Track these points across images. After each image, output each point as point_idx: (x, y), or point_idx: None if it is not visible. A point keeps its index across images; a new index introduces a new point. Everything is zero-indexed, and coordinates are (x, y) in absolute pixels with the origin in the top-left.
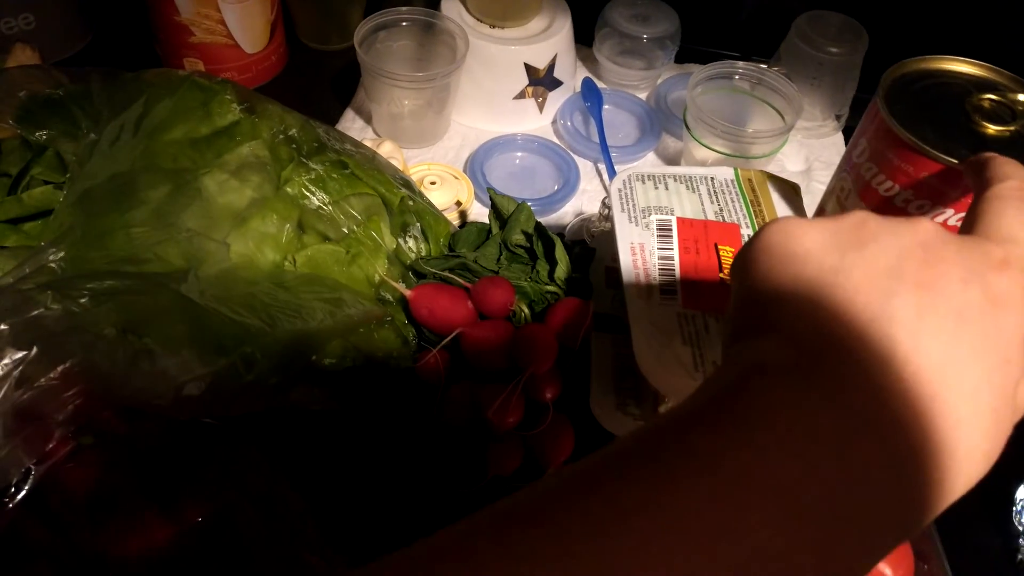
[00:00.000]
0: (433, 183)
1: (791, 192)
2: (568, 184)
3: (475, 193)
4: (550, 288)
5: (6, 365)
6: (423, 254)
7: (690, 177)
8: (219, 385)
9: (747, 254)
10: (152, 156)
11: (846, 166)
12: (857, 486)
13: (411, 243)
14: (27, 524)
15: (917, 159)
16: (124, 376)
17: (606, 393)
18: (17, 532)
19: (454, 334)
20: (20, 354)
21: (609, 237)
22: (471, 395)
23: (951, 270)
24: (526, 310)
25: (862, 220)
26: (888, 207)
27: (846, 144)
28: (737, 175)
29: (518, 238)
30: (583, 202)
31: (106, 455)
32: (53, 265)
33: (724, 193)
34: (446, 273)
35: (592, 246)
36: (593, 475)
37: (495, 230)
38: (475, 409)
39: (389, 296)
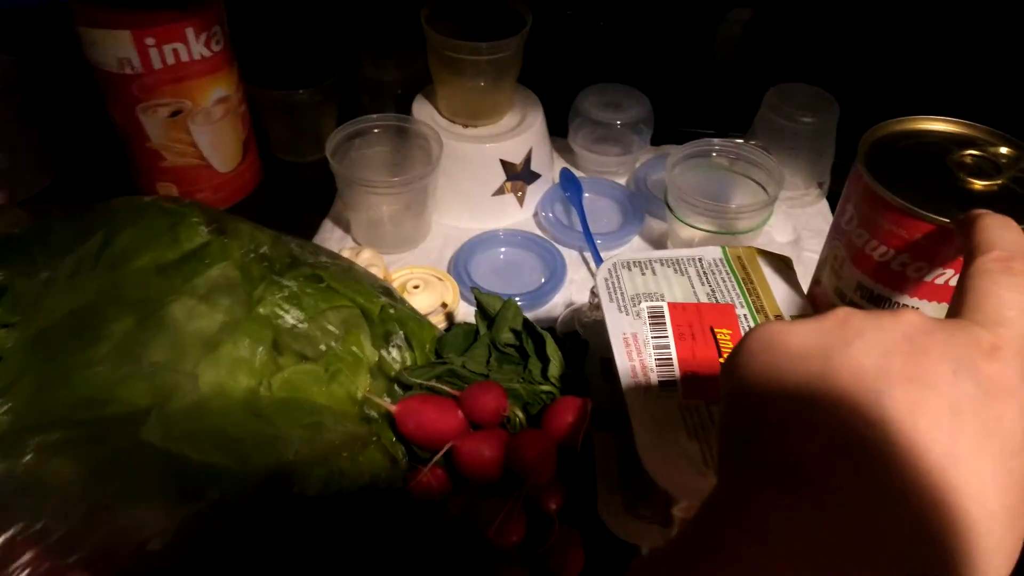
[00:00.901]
0: (416, 287)
1: (782, 266)
2: (555, 276)
3: (460, 293)
4: (544, 387)
5: None
6: (408, 363)
7: (677, 260)
8: (186, 535)
9: (733, 362)
10: (115, 287)
11: (836, 234)
12: None
13: (395, 353)
14: None
15: (907, 221)
16: (79, 537)
17: (613, 496)
18: None
19: (445, 449)
20: None
21: (601, 327)
22: (469, 511)
23: (940, 362)
24: (520, 414)
25: (845, 318)
26: (885, 271)
27: (832, 210)
28: (725, 253)
29: (507, 337)
30: (572, 292)
31: None
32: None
33: (714, 273)
34: (432, 383)
35: (584, 337)
36: None
37: (483, 331)
38: (474, 527)
39: (374, 413)
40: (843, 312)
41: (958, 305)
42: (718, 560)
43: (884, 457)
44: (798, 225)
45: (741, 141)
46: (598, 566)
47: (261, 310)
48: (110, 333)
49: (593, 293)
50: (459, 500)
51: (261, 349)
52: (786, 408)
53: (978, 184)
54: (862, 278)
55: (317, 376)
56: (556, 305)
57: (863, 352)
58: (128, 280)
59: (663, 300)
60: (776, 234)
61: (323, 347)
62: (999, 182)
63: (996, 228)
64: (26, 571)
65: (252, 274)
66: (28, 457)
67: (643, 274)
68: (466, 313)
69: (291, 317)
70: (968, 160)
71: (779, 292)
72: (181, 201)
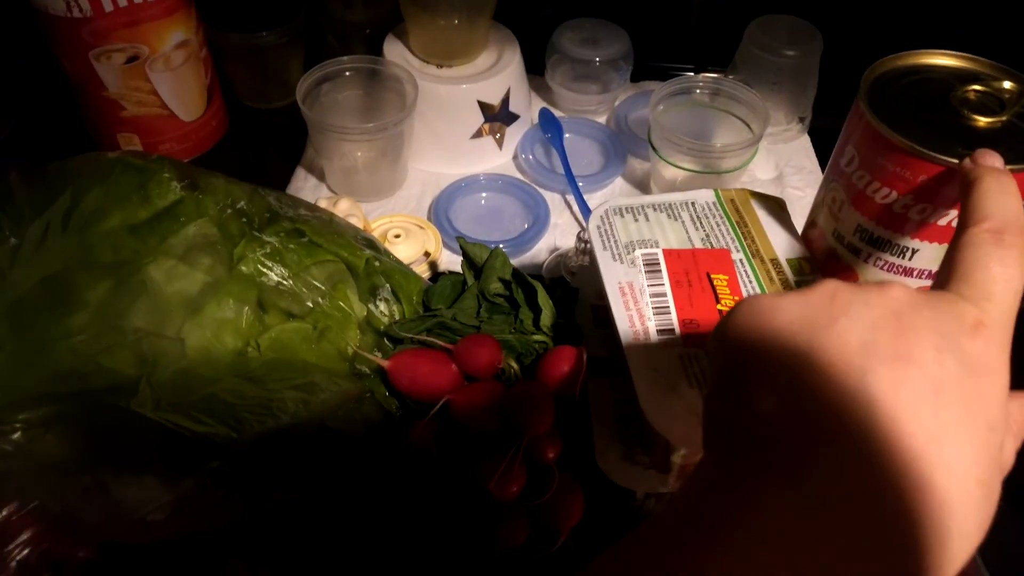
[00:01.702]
0: (398, 236)
1: (776, 208)
2: (538, 221)
3: (443, 241)
4: (537, 337)
5: None
6: (396, 317)
7: (670, 204)
8: (187, 505)
9: (718, 340)
10: (87, 251)
11: (834, 175)
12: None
13: (382, 307)
14: None
15: (912, 162)
16: (76, 515)
17: (611, 444)
18: None
19: (441, 403)
20: None
21: (589, 272)
22: (467, 465)
23: (925, 339)
24: (515, 365)
25: (832, 293)
26: (887, 214)
27: (814, 146)
28: (718, 196)
29: (496, 287)
30: (556, 237)
31: None
32: None
33: (708, 217)
34: (424, 336)
35: (573, 284)
36: None
37: (470, 281)
38: (474, 481)
39: (366, 369)
40: (831, 286)
41: (946, 275)
42: (709, 542)
43: (868, 437)
44: (780, 161)
45: (723, 77)
46: (598, 513)
47: (243, 268)
48: (86, 301)
49: (580, 238)
50: (457, 453)
51: (247, 309)
52: (773, 385)
53: (982, 121)
54: (862, 220)
55: (306, 334)
56: (540, 251)
57: (849, 329)
58: (100, 243)
59: (657, 247)
60: (758, 171)
61: (310, 304)
62: (1003, 119)
63: (993, 195)
64: (26, 550)
65: (231, 231)
66: (17, 435)
67: (636, 220)
68: (449, 261)
69: (275, 274)
70: (972, 96)
71: (774, 235)
72: (148, 156)
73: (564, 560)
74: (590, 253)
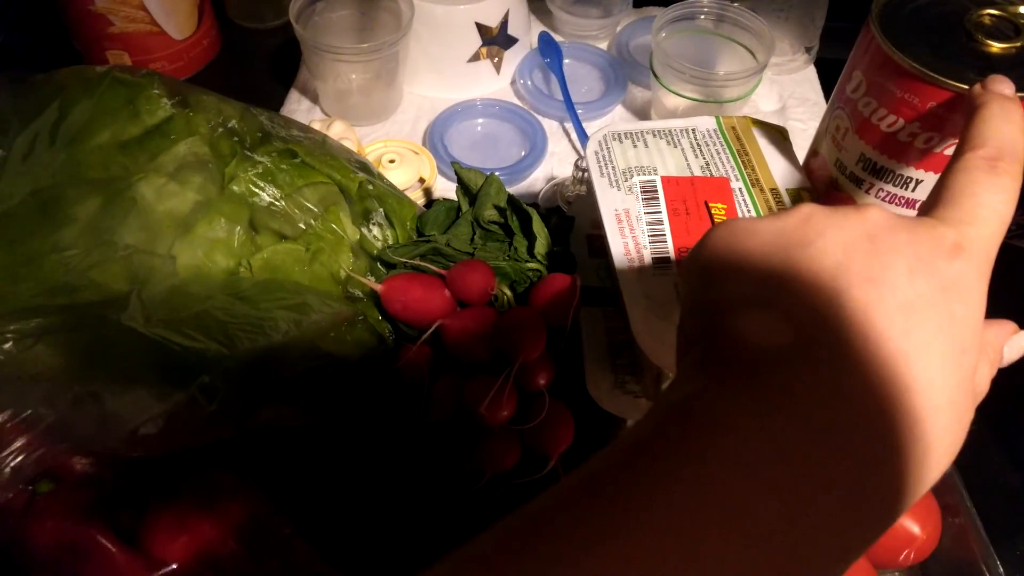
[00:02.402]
0: (392, 161)
1: (778, 137)
2: (535, 148)
3: (438, 167)
4: (531, 265)
5: None
6: (390, 242)
7: (670, 131)
8: (178, 420)
9: (693, 261)
10: (76, 166)
11: (839, 102)
12: (826, 491)
13: (375, 231)
14: None
15: (921, 88)
16: (68, 424)
17: (602, 372)
18: None
19: (434, 327)
20: None
21: (586, 201)
22: (458, 390)
23: (898, 260)
24: (508, 292)
25: (807, 216)
26: (892, 142)
27: (819, 78)
28: (720, 124)
29: (491, 214)
30: (553, 166)
31: (70, 500)
32: None
33: (708, 145)
34: (417, 261)
35: (569, 213)
36: (537, 521)
37: (464, 207)
38: (463, 405)
39: (358, 292)
40: (806, 209)
41: (934, 199)
42: (682, 457)
43: (840, 355)
44: (784, 93)
45: (728, 3)
46: (587, 439)
47: (235, 188)
48: (76, 215)
49: (577, 167)
50: (448, 378)
51: (238, 228)
52: (747, 306)
53: (995, 47)
54: (866, 149)
55: (298, 256)
56: (537, 179)
57: (823, 251)
58: (88, 158)
59: (656, 174)
60: (761, 102)
61: (302, 225)
62: (1018, 44)
63: (994, 121)
64: (20, 456)
65: (222, 150)
66: (8, 345)
67: (635, 146)
68: (444, 188)
69: (267, 195)
70: (987, 20)
71: (775, 164)
72: (137, 71)
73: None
74: (587, 181)
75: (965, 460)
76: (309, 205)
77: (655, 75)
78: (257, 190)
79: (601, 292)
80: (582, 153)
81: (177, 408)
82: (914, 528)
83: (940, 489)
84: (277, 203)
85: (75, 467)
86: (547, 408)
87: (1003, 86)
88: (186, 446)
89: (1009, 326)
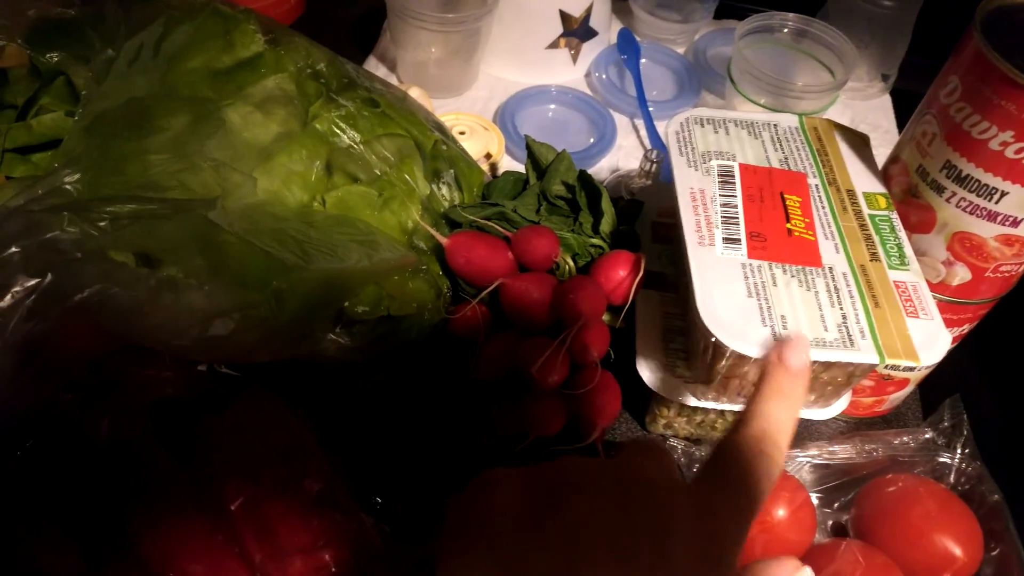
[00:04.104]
0: (462, 133)
1: (859, 142)
2: (604, 139)
3: (506, 146)
4: (595, 241)
5: (17, 293)
6: (456, 202)
7: (752, 123)
8: (248, 325)
9: None
10: (169, 84)
11: (929, 107)
12: None
13: (444, 190)
14: (37, 476)
15: (1020, 96)
16: (145, 310)
17: (653, 353)
18: (25, 484)
19: (495, 285)
20: (32, 281)
21: (651, 193)
22: (510, 350)
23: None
24: (571, 262)
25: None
26: (982, 151)
27: (894, 106)
28: (802, 122)
29: (558, 188)
30: (619, 159)
31: (121, 401)
32: (69, 187)
33: (789, 141)
34: (484, 221)
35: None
36: None
37: (532, 180)
38: (515, 365)
39: (422, 245)
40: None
41: (709, 471)
42: None
43: None
44: (856, 117)
45: (814, 19)
46: (632, 412)
47: (318, 126)
48: (166, 127)
49: (646, 159)
50: (502, 338)
51: (317, 164)
52: None
53: None
54: (952, 156)
55: (370, 200)
56: (602, 169)
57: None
58: (181, 79)
59: (735, 160)
60: None
61: (377, 172)
62: None
63: (771, 401)
64: (89, 340)
65: (307, 90)
66: (103, 223)
67: (716, 132)
68: (509, 166)
69: (347, 137)
70: None
71: (853, 167)
72: (236, 6)
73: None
74: (651, 175)
75: (1014, 490)
76: (386, 153)
77: (732, 81)
78: (338, 131)
79: (661, 277)
80: (650, 147)
81: (250, 311)
82: (956, 550)
83: (986, 514)
84: (356, 147)
85: (129, 371)
86: (598, 379)
87: (794, 357)
88: (249, 359)
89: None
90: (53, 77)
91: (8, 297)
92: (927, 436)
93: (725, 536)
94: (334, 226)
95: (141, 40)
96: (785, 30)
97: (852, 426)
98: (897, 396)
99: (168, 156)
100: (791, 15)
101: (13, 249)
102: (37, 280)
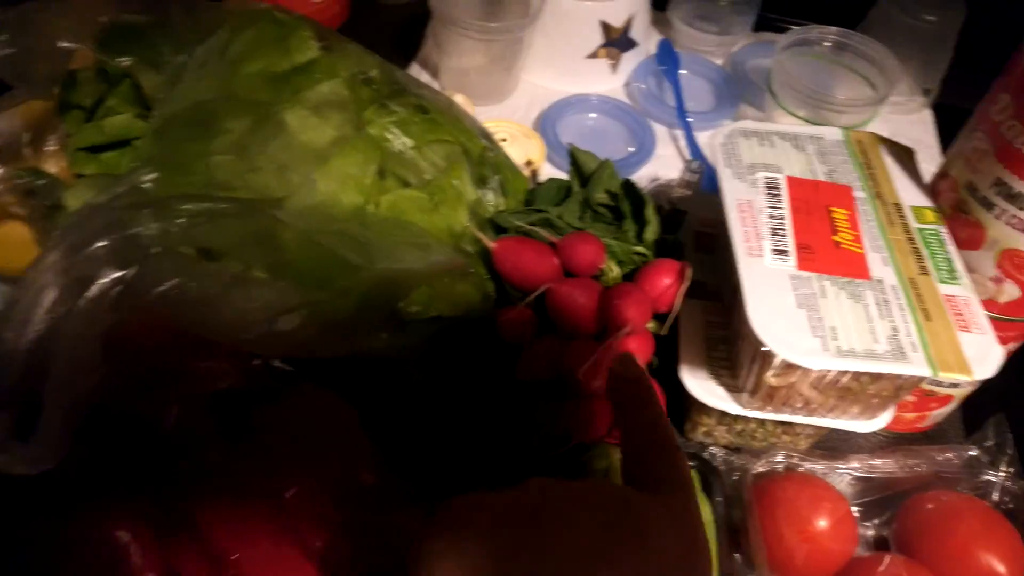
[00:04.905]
0: (504, 140)
1: (904, 156)
2: (643, 149)
3: (547, 153)
4: (639, 249)
5: (103, 284)
6: (502, 208)
7: (796, 136)
8: (311, 321)
9: None
10: (232, 87)
11: (980, 123)
12: None
13: (490, 196)
14: (111, 460)
15: None
16: (217, 304)
17: (697, 362)
18: (101, 468)
19: (541, 290)
20: (118, 274)
21: (692, 202)
22: (555, 353)
23: None
24: (616, 269)
25: None
26: None
27: (935, 121)
28: (847, 136)
29: (602, 196)
30: (658, 168)
31: (185, 391)
32: (147, 186)
33: (834, 154)
34: (530, 227)
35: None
36: None
37: (576, 188)
38: (560, 367)
39: (469, 248)
40: None
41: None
42: None
43: None
44: (896, 132)
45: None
46: (672, 420)
47: (371, 131)
48: (230, 128)
49: (689, 169)
50: (547, 340)
51: (371, 168)
52: None
53: None
54: (1003, 173)
55: (422, 203)
56: (641, 178)
57: None
58: (243, 82)
59: (781, 172)
60: None
61: (428, 176)
62: None
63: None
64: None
65: (360, 95)
66: (181, 220)
67: (761, 145)
68: (549, 173)
69: (399, 143)
70: None
71: (899, 181)
72: (292, 13)
73: None
74: (691, 186)
75: None
76: (436, 159)
77: (772, 93)
78: (391, 136)
79: (703, 287)
80: (690, 157)
81: (315, 308)
82: (1000, 568)
83: None
84: (408, 152)
85: (191, 364)
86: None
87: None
88: (308, 355)
89: None
90: (119, 80)
91: (95, 288)
92: (971, 454)
93: (696, 531)
94: (389, 228)
95: (211, 46)
96: (826, 43)
97: (893, 440)
98: (940, 413)
99: (232, 157)
100: (832, 28)
101: (100, 243)
102: (122, 273)
